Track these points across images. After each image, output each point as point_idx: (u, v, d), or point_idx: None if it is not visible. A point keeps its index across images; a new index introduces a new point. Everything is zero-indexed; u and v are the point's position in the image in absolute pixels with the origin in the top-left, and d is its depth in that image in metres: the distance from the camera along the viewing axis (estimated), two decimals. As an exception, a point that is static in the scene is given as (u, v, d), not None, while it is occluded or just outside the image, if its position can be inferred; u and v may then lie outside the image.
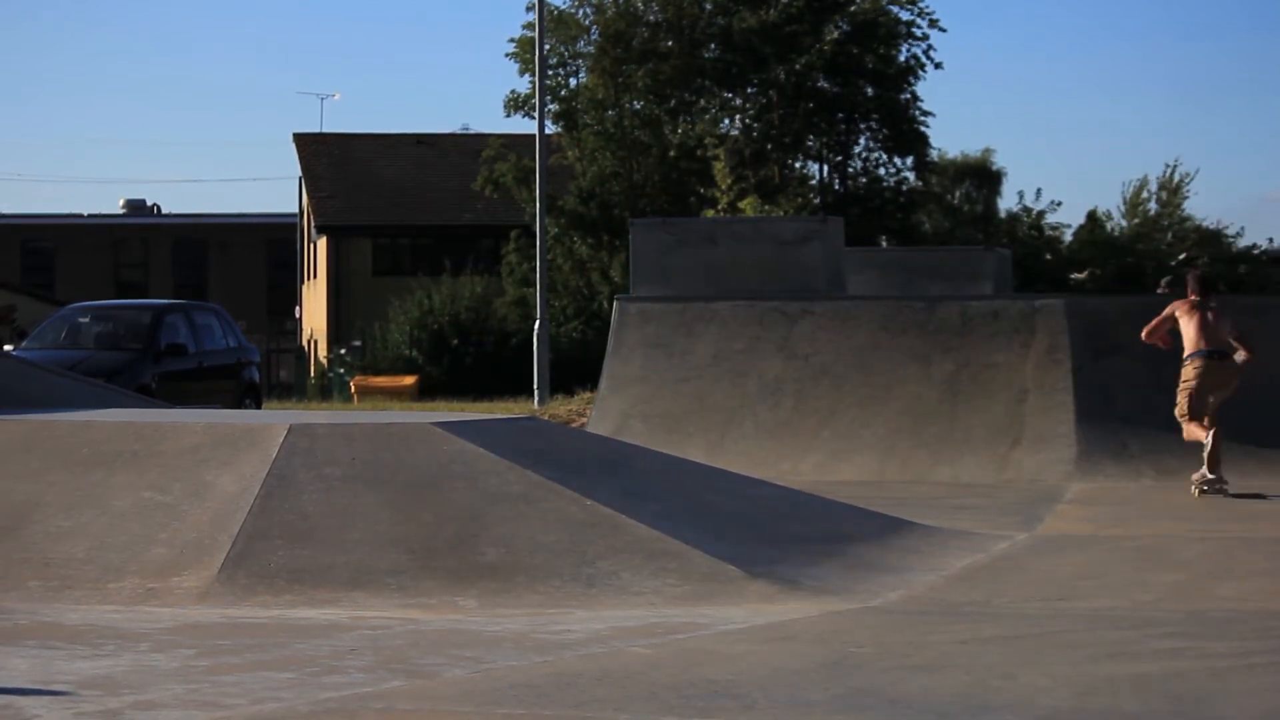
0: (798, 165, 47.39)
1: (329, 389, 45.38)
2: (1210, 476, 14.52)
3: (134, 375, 20.76)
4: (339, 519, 9.30)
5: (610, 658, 7.27)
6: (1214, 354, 14.78)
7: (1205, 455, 14.58)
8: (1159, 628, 7.93)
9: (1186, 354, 14.90)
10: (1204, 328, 14.89)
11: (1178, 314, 15.00)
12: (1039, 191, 68.11)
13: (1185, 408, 14.79)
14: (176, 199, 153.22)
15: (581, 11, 45.85)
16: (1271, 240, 52.86)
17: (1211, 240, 51.48)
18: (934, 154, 48.64)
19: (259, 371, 24.74)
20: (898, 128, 46.38)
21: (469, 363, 43.52)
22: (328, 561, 8.97)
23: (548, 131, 37.90)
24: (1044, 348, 16.97)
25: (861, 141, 47.41)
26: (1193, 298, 15.09)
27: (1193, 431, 14.75)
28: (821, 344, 17.61)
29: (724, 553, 9.28)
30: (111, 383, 16.71)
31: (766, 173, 45.66)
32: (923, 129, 46.84)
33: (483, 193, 48.56)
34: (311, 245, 58.13)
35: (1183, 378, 14.84)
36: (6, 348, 21.05)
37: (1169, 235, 50.52)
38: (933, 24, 46.16)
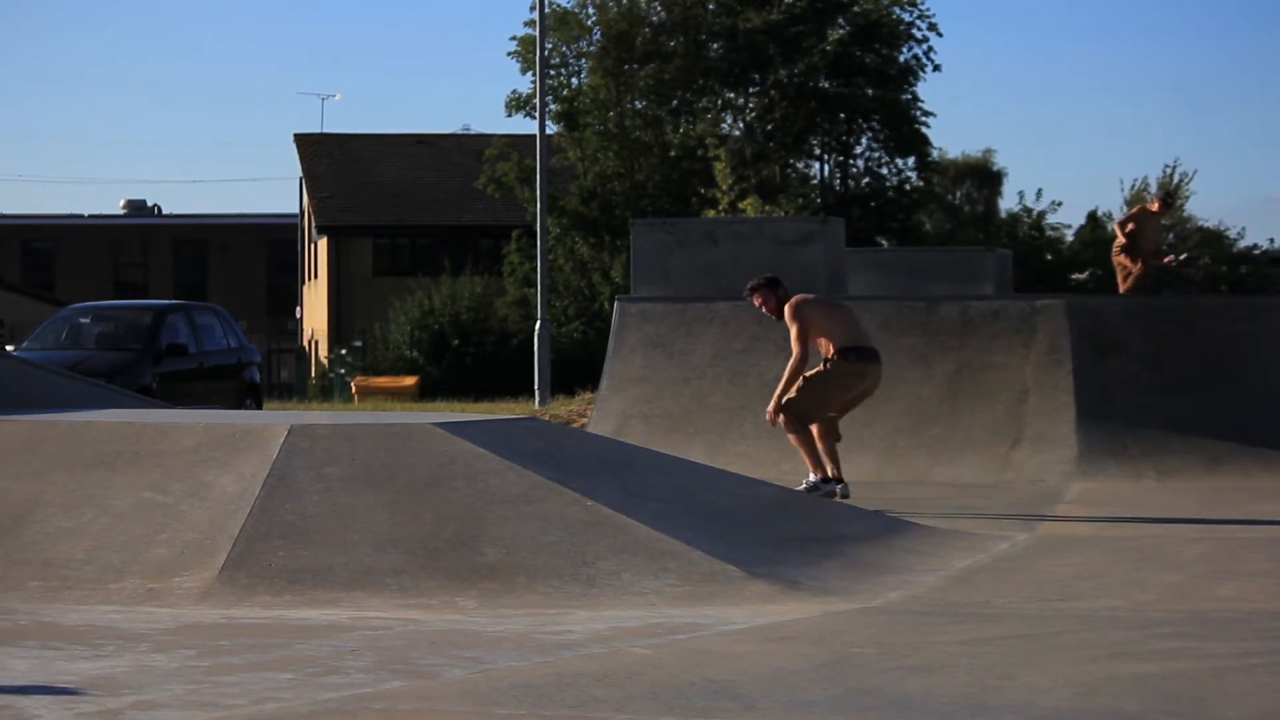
0: (799, 165, 47.43)
1: (329, 389, 45.39)
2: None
3: (134, 375, 20.75)
4: (339, 519, 9.30)
5: (611, 658, 7.27)
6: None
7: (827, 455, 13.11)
8: (1159, 628, 7.92)
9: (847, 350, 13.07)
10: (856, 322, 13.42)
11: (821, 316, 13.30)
12: (1039, 192, 68.27)
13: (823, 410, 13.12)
14: (177, 199, 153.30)
15: (584, 11, 45.89)
16: (1272, 240, 52.89)
17: (1213, 240, 51.54)
18: (935, 154, 48.70)
19: (260, 372, 24.73)
20: (899, 128, 46.42)
21: (470, 363, 43.53)
22: (328, 562, 8.97)
23: (549, 131, 37.92)
24: (1044, 348, 16.97)
25: (863, 142, 47.47)
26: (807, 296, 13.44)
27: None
28: (822, 344, 17.59)
29: (724, 553, 9.28)
30: (112, 383, 16.71)
31: (768, 173, 45.69)
32: (924, 129, 46.90)
33: (483, 193, 48.62)
34: (312, 245, 58.16)
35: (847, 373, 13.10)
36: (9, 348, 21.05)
37: (1170, 236, 50.55)
38: (931, 27, 46.24)
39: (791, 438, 13.16)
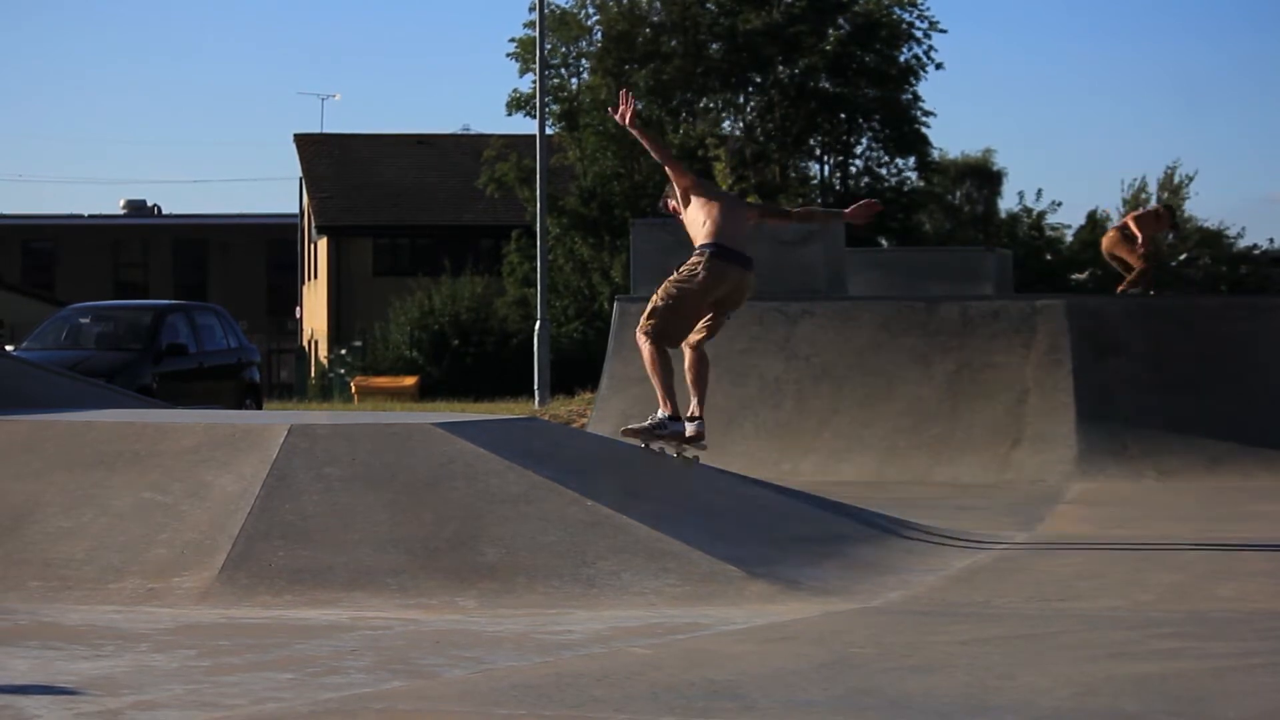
0: (799, 165, 47.44)
1: (329, 389, 45.38)
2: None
3: (135, 375, 20.75)
4: (339, 519, 9.30)
5: (610, 658, 7.26)
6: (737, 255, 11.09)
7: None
8: (1159, 628, 7.92)
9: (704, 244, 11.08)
10: (725, 215, 11.17)
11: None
12: (1039, 192, 68.28)
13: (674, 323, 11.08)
14: (177, 199, 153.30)
15: (584, 11, 45.92)
16: (1272, 240, 52.95)
17: (1213, 240, 51.56)
18: (935, 154, 48.71)
19: (260, 372, 24.73)
20: (899, 128, 46.43)
21: (469, 363, 43.53)
22: (328, 562, 8.97)
23: (549, 132, 37.92)
24: (1044, 348, 16.97)
25: (863, 142, 47.49)
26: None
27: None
28: (822, 344, 17.60)
29: (724, 553, 9.28)
30: (112, 383, 16.71)
31: (768, 173, 45.71)
32: (924, 129, 46.91)
33: (483, 193, 48.63)
34: (312, 245, 58.17)
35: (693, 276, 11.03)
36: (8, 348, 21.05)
37: (1170, 236, 50.56)
38: (933, 26, 46.26)
39: (646, 355, 11.09)
